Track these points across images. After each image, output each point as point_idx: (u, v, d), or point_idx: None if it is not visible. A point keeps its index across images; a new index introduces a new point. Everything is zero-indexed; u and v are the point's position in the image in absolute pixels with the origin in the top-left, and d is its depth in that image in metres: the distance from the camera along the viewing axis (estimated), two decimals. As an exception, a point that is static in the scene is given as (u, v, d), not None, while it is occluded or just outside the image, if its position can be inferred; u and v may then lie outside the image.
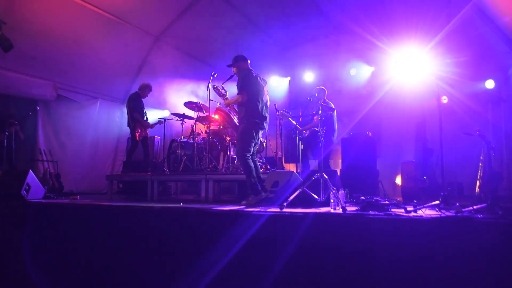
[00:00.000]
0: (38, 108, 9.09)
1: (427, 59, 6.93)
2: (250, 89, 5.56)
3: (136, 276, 4.71)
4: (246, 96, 5.52)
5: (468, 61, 8.09)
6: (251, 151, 5.53)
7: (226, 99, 6.43)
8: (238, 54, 5.89)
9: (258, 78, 5.73)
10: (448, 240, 3.38)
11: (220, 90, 6.56)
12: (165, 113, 10.21)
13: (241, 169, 5.69)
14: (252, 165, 5.46)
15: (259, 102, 5.60)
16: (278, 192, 5.41)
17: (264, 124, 5.66)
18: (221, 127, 7.68)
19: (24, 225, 5.58)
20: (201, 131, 8.29)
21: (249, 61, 5.86)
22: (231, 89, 9.25)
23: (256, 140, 5.60)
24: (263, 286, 3.86)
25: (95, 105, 10.13)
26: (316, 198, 5.04)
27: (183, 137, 8.36)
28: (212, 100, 7.23)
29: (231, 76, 6.00)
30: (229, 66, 5.87)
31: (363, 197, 4.73)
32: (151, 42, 9.88)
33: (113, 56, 9.29)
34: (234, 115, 6.79)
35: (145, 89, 8.37)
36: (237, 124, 6.54)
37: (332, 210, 4.55)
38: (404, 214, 3.91)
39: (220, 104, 7.10)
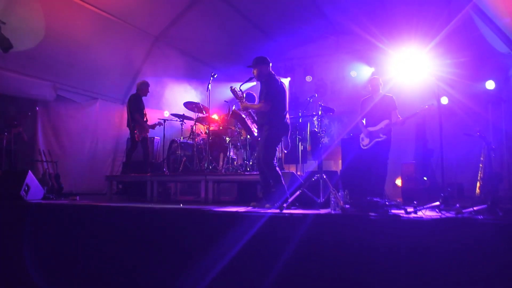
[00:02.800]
0: (37, 108, 9.07)
1: (427, 60, 6.94)
2: (275, 98, 5.29)
3: (135, 277, 4.70)
4: (270, 105, 5.27)
5: (468, 61, 8.08)
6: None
7: (244, 102, 5.94)
8: (260, 56, 5.52)
9: (280, 82, 5.44)
10: (448, 241, 3.38)
11: (237, 92, 6.01)
12: (165, 114, 10.21)
13: (271, 176, 5.31)
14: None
15: (284, 110, 5.37)
16: (278, 193, 5.39)
17: (287, 131, 5.46)
18: (221, 127, 7.67)
19: (23, 226, 5.57)
20: (201, 132, 8.28)
21: (270, 64, 5.51)
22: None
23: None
24: (263, 287, 3.85)
25: (94, 106, 10.11)
26: (316, 199, 5.04)
27: (183, 138, 8.34)
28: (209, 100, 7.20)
29: (250, 78, 5.67)
30: (249, 67, 5.54)
31: (363, 198, 4.72)
32: (150, 42, 9.87)
33: (112, 56, 9.29)
34: (249, 119, 6.48)
35: (143, 87, 8.32)
36: (251, 128, 6.38)
37: (332, 211, 4.54)
38: (404, 215, 3.91)
39: (235, 107, 6.74)
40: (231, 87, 5.95)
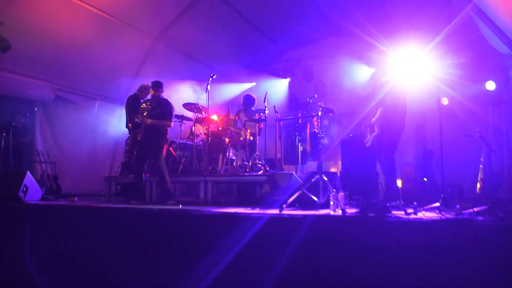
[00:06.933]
0: (35, 109, 9.06)
1: (427, 61, 6.91)
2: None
3: (134, 279, 4.67)
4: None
5: (468, 62, 8.07)
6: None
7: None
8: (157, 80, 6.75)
9: None
10: (448, 242, 3.35)
11: None
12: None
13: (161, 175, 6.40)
14: None
15: None
16: (278, 194, 5.37)
17: None
18: (220, 128, 7.64)
19: (22, 227, 5.54)
20: (200, 133, 8.26)
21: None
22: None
23: None
24: (262, 289, 3.83)
25: (93, 106, 10.08)
26: (315, 200, 5.01)
27: (182, 139, 8.33)
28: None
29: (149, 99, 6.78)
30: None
31: (362, 199, 4.70)
32: (150, 43, 9.85)
33: (111, 57, 9.26)
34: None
35: (144, 91, 8.33)
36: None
37: (331, 212, 4.52)
38: (404, 217, 3.88)
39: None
40: (143, 101, 6.92)
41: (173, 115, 6.72)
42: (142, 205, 5.99)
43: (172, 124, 6.61)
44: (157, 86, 6.69)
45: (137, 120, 6.60)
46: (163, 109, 6.56)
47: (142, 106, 6.64)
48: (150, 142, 6.47)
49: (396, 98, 5.41)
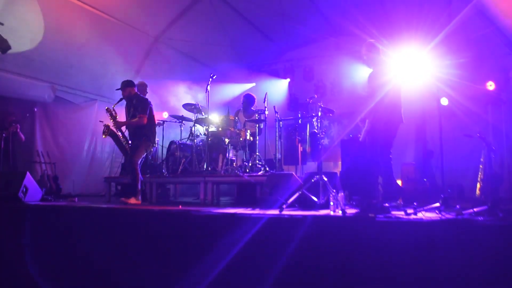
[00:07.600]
0: (35, 109, 9.05)
1: (427, 60, 6.90)
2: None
3: (134, 279, 4.67)
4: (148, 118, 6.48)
5: (468, 62, 8.06)
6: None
7: (116, 121, 6.60)
8: (127, 80, 6.74)
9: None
10: (448, 242, 3.35)
11: (112, 112, 6.56)
12: (164, 115, 10.19)
13: (134, 175, 6.37)
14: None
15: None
16: (278, 194, 5.37)
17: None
18: (220, 129, 7.64)
19: (22, 227, 5.53)
20: (200, 133, 8.25)
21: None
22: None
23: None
24: (262, 289, 3.83)
25: (93, 107, 10.08)
26: (315, 201, 5.01)
27: (182, 139, 8.32)
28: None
29: (121, 99, 6.63)
30: (118, 89, 6.67)
31: (362, 200, 4.69)
32: (149, 43, 9.84)
33: (111, 57, 9.25)
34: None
35: (141, 88, 8.30)
36: (123, 144, 6.82)
37: (331, 213, 4.52)
38: (404, 217, 3.88)
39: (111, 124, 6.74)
40: (106, 108, 6.64)
41: (147, 111, 6.48)
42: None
43: (146, 120, 6.40)
44: (127, 85, 6.58)
45: (108, 125, 6.51)
46: (136, 107, 6.49)
47: (111, 111, 6.54)
48: (131, 141, 6.56)
49: (389, 94, 5.21)
